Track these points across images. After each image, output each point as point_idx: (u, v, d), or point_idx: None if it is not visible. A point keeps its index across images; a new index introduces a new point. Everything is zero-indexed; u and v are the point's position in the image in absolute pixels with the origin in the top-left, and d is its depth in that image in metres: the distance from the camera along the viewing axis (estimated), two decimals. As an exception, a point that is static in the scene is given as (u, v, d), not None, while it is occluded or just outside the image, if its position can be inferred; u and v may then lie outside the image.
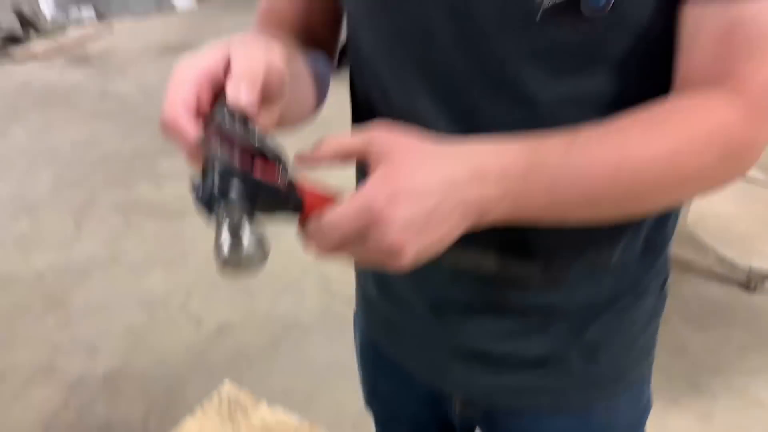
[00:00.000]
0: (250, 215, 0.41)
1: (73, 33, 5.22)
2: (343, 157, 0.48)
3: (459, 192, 0.44)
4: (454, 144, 0.47)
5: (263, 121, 0.48)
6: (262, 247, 0.42)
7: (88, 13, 5.62)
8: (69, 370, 1.91)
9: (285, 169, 0.44)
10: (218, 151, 0.41)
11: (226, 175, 0.41)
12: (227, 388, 0.86)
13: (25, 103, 3.91)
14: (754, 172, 3.19)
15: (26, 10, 5.19)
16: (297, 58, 0.59)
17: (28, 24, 5.12)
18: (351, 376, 1.91)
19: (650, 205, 0.53)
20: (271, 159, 0.44)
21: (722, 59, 0.48)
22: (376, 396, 0.93)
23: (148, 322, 2.12)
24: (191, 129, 0.44)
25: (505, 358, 0.70)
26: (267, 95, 0.48)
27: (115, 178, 3.04)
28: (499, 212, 0.46)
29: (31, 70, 4.49)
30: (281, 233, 2.41)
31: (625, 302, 0.69)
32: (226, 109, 0.43)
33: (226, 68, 0.46)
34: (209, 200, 0.40)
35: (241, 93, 0.45)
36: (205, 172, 0.41)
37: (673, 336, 2.13)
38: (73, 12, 5.53)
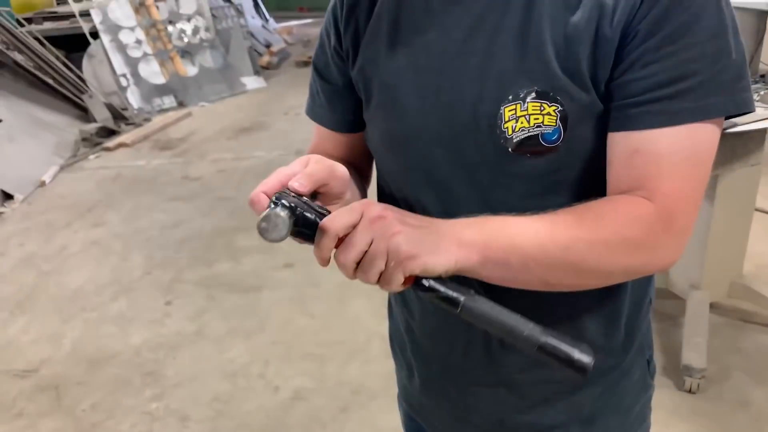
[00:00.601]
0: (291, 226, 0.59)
1: (156, 121, 5.76)
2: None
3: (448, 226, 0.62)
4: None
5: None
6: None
7: (169, 101, 6.20)
8: (165, 437, 2.14)
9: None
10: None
11: (283, 194, 0.61)
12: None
13: (118, 190, 4.36)
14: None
15: (117, 103, 5.80)
16: (352, 175, 0.80)
17: (119, 116, 5.71)
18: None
19: (594, 272, 0.66)
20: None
21: (632, 175, 0.65)
22: None
23: (232, 390, 2.33)
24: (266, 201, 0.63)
25: (522, 429, 0.86)
26: (332, 191, 0.70)
27: (198, 256, 3.35)
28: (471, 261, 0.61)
29: (122, 158, 4.99)
30: (348, 303, 2.65)
31: (614, 378, 0.84)
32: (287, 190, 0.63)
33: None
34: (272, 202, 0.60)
35: (297, 180, 0.64)
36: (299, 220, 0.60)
37: (735, 391, 2.14)
38: (156, 102, 6.12)
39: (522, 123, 0.66)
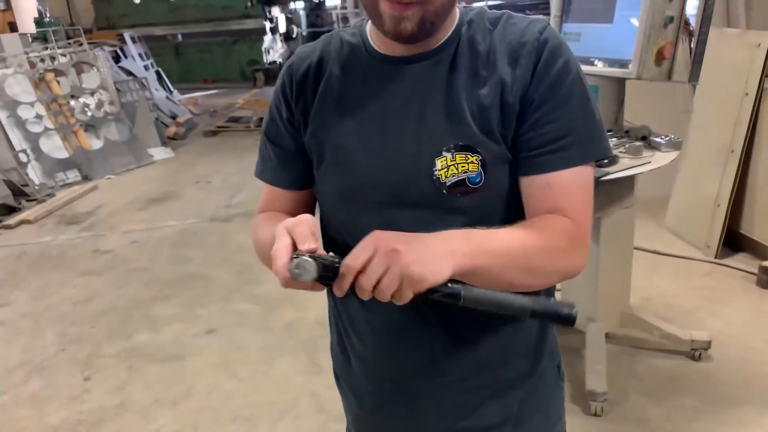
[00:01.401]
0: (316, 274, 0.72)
1: (60, 196, 5.60)
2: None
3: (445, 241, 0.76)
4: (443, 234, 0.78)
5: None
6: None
7: (74, 175, 6.05)
8: None
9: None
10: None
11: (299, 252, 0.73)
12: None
13: (23, 268, 4.19)
14: (689, 252, 3.58)
15: (16, 179, 5.60)
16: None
17: (20, 193, 5.51)
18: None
19: (540, 272, 0.85)
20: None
21: (548, 203, 0.87)
22: None
23: (162, 461, 2.31)
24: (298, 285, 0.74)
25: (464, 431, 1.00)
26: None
27: (115, 328, 3.28)
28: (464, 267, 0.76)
29: (25, 235, 4.80)
30: (274, 364, 2.72)
31: (534, 381, 1.02)
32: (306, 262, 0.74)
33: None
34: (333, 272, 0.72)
35: (308, 245, 0.74)
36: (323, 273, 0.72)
37: (633, 410, 2.37)
38: (60, 176, 5.95)
39: (452, 170, 0.86)
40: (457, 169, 0.85)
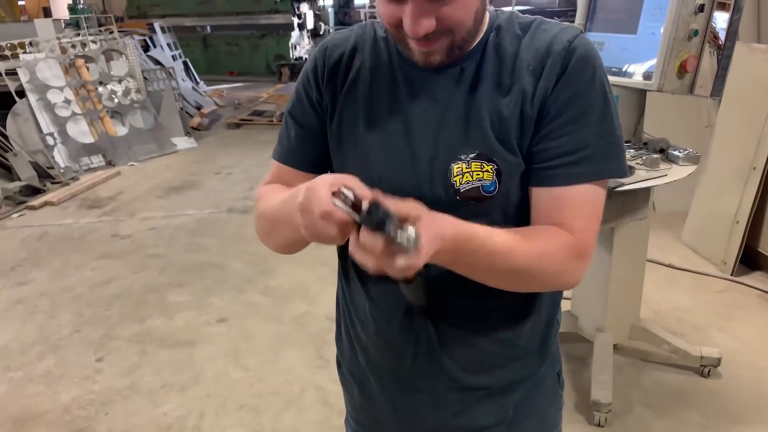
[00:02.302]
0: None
1: (84, 180, 5.70)
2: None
3: (440, 235, 0.74)
4: (442, 216, 0.78)
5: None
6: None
7: (98, 160, 6.16)
8: (97, 493, 2.13)
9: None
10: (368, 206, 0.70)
11: (384, 211, 0.69)
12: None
13: (44, 248, 4.28)
14: (705, 267, 3.54)
15: (42, 162, 5.71)
16: None
17: (45, 175, 5.62)
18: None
19: (528, 276, 0.86)
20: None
21: (554, 216, 0.88)
22: None
23: (167, 444, 2.35)
24: (345, 215, 0.71)
25: (457, 430, 1.01)
26: None
27: (129, 312, 3.34)
28: (447, 248, 0.76)
29: (48, 216, 4.90)
30: (282, 356, 2.76)
31: (530, 385, 1.03)
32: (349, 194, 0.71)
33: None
34: (381, 222, 0.69)
35: (368, 193, 0.72)
36: (369, 212, 0.69)
37: (637, 423, 2.37)
38: (84, 161, 6.06)
39: (467, 177, 0.87)
40: (472, 176, 0.86)
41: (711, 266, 3.55)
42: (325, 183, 0.73)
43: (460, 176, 0.87)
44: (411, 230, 0.69)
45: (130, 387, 2.70)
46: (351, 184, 0.72)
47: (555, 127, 0.85)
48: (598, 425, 2.32)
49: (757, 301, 3.20)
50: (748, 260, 3.46)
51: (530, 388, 1.03)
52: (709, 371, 2.59)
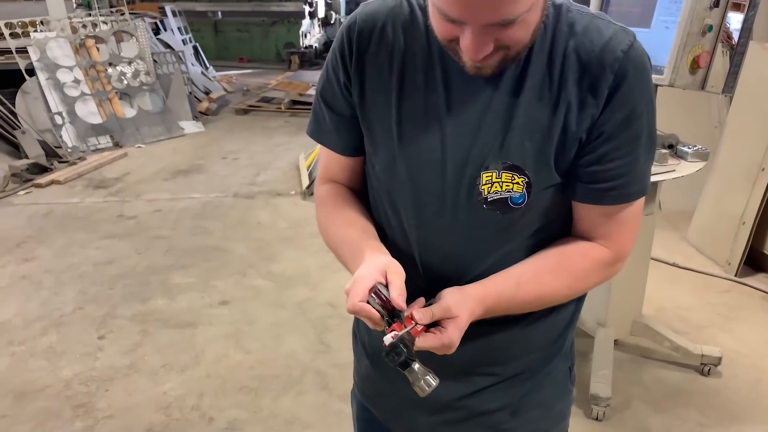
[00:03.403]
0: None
1: (91, 160, 5.71)
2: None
3: (473, 316, 0.83)
4: (471, 295, 0.85)
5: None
6: (433, 373, 0.80)
7: (105, 141, 6.17)
8: (96, 467, 2.14)
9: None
10: (400, 331, 0.78)
11: (409, 348, 0.78)
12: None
13: (50, 226, 4.29)
14: (709, 267, 3.53)
15: (50, 141, 5.73)
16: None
17: (52, 154, 5.63)
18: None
19: (557, 303, 0.95)
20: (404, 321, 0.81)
21: (599, 230, 0.89)
22: None
23: (166, 422, 2.36)
24: (374, 312, 0.79)
25: (459, 412, 1.01)
26: None
27: (133, 292, 3.36)
28: (479, 317, 0.85)
29: (54, 195, 4.92)
30: (283, 340, 2.77)
31: (540, 377, 1.02)
32: (384, 298, 0.80)
33: (384, 275, 0.82)
34: (404, 364, 0.78)
35: (402, 303, 0.79)
36: (395, 346, 0.77)
37: (635, 418, 2.37)
38: (92, 141, 6.07)
39: (496, 187, 0.84)
40: (501, 187, 0.83)
41: (715, 266, 3.53)
42: (368, 278, 0.80)
43: (489, 185, 0.84)
44: (431, 380, 0.79)
45: (131, 365, 2.72)
46: (392, 278, 0.81)
47: (610, 150, 0.82)
48: (596, 419, 2.33)
49: (760, 303, 3.19)
50: (753, 262, 3.45)
51: (540, 378, 1.02)
52: (709, 370, 2.58)
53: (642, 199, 0.89)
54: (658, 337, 2.65)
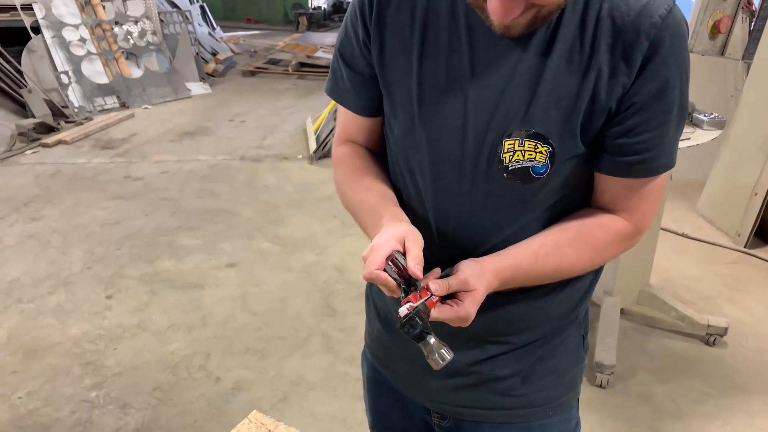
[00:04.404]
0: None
1: (98, 120, 5.68)
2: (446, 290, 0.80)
3: (489, 289, 0.82)
4: (488, 268, 0.83)
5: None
6: (447, 346, 0.78)
7: (112, 102, 6.13)
8: (105, 423, 2.18)
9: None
10: (415, 301, 0.77)
11: (424, 321, 0.76)
12: (254, 415, 1.15)
13: (57, 185, 4.30)
14: (718, 238, 3.50)
15: (57, 100, 5.69)
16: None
17: (59, 113, 5.61)
18: (352, 426, 2.20)
19: (579, 272, 0.92)
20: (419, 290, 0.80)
21: (622, 202, 0.87)
22: (377, 417, 1.21)
23: (173, 381, 2.39)
24: (391, 281, 0.77)
25: (469, 378, 1.00)
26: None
27: (140, 253, 3.37)
28: (496, 289, 0.84)
29: (61, 155, 4.91)
30: (289, 303, 2.77)
31: (554, 344, 1.00)
32: (401, 267, 0.78)
33: (402, 243, 0.80)
34: (419, 336, 0.77)
35: (419, 272, 0.77)
36: (411, 318, 0.76)
37: (639, 386, 2.38)
38: (98, 101, 6.03)
39: (518, 156, 0.80)
40: (524, 155, 0.80)
41: (725, 237, 3.51)
42: (386, 246, 0.78)
43: (511, 153, 0.80)
44: (446, 354, 0.77)
45: (138, 325, 2.74)
46: (410, 246, 0.79)
47: (640, 122, 0.78)
48: (600, 386, 2.34)
49: (767, 274, 3.17)
50: (763, 233, 3.42)
51: (553, 346, 1.00)
52: (714, 340, 2.58)
53: (667, 173, 0.85)
54: (664, 306, 2.65)
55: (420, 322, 0.76)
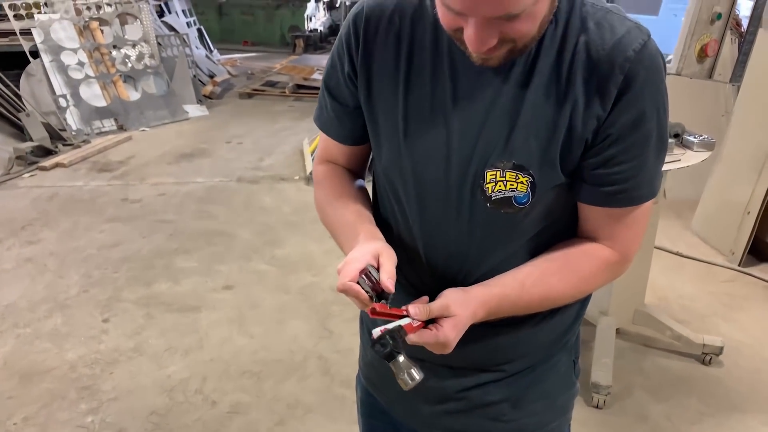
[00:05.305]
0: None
1: (95, 143, 5.71)
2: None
3: (474, 318, 0.83)
4: (473, 297, 0.84)
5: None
6: (418, 367, 0.81)
7: (109, 124, 6.16)
8: (100, 449, 2.17)
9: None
10: (389, 323, 0.80)
11: (396, 341, 0.79)
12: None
13: (55, 209, 4.30)
14: (713, 256, 3.52)
15: (55, 123, 5.72)
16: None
17: (57, 136, 5.63)
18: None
19: (562, 304, 0.95)
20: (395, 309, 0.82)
21: (605, 231, 0.88)
22: None
23: (170, 405, 2.38)
24: (363, 293, 0.79)
25: (460, 403, 1.02)
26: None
27: (137, 276, 3.37)
28: (482, 318, 0.86)
29: (59, 178, 4.92)
30: (286, 325, 2.77)
31: (543, 370, 1.02)
32: (374, 281, 0.80)
33: (377, 259, 0.83)
34: (389, 355, 0.79)
35: (391, 286, 0.80)
36: (382, 337, 0.78)
37: (635, 406, 2.38)
38: (96, 124, 6.07)
39: (500, 186, 0.83)
40: (505, 186, 0.82)
41: (719, 256, 3.53)
42: (361, 260, 0.81)
43: (493, 183, 0.82)
44: (415, 374, 0.79)
45: (135, 348, 2.74)
46: (384, 261, 0.81)
47: (617, 152, 0.80)
48: (597, 407, 2.34)
49: (763, 293, 3.19)
50: (757, 252, 3.44)
51: (543, 371, 1.02)
52: (710, 359, 2.59)
53: (650, 201, 0.86)
54: (660, 326, 2.66)
55: (390, 342, 0.78)
